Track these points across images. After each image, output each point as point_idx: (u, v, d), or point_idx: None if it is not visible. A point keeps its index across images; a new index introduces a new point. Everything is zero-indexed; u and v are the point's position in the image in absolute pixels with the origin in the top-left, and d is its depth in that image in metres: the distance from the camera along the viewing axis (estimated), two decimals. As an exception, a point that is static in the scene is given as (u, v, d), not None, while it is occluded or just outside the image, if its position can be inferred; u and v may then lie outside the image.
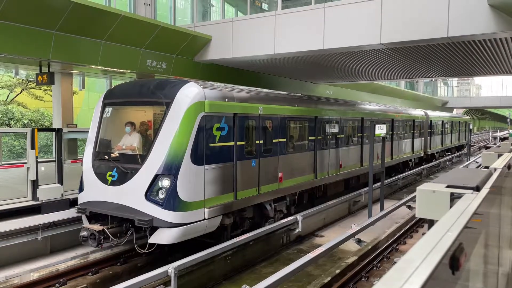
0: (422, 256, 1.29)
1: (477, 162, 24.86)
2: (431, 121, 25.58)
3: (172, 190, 7.85)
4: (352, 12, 11.17)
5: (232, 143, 9.08)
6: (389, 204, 13.58)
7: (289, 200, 11.59)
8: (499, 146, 12.19)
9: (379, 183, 13.83)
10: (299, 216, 11.00)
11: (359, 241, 10.72)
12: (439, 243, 1.43)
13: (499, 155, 5.80)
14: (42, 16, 9.74)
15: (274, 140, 10.58)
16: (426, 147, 24.85)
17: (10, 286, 7.99)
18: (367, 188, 13.70)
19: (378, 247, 10.45)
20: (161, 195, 7.90)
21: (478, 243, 2.19)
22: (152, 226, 7.83)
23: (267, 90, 11.65)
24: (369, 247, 10.19)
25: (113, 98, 9.51)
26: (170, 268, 7.04)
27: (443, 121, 29.18)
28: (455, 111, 56.87)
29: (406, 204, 14.29)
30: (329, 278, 8.08)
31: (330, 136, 13.48)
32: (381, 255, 10.09)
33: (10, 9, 9.09)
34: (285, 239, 10.90)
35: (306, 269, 8.60)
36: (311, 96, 13.52)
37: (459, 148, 36.51)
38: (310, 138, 12.36)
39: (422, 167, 23.55)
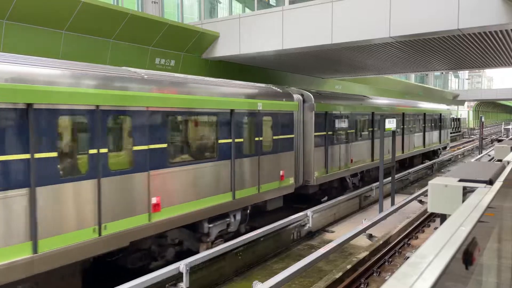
0: (435, 251, 1.28)
1: (489, 155, 24.57)
2: (346, 115, 13.91)
3: None
4: (361, 5, 11.08)
5: None
6: (400, 199, 13.50)
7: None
8: (511, 139, 12.05)
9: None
10: (309, 212, 10.98)
11: (370, 236, 10.69)
12: (452, 238, 1.42)
13: (512, 148, 5.72)
14: (51, 16, 9.82)
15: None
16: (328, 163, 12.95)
17: None
18: (377, 183, 13.61)
19: (389, 242, 10.39)
20: None
21: (492, 237, 2.16)
22: None
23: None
24: (381, 242, 10.14)
25: None
26: (182, 265, 7.09)
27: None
28: (466, 104, 56.15)
29: (417, 198, 14.19)
30: (340, 274, 8.06)
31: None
32: (393, 250, 10.04)
33: (20, 9, 9.19)
34: (296, 235, 10.89)
35: (317, 265, 8.60)
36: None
37: (435, 152, 24.63)
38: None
39: (433, 161, 23.18)
